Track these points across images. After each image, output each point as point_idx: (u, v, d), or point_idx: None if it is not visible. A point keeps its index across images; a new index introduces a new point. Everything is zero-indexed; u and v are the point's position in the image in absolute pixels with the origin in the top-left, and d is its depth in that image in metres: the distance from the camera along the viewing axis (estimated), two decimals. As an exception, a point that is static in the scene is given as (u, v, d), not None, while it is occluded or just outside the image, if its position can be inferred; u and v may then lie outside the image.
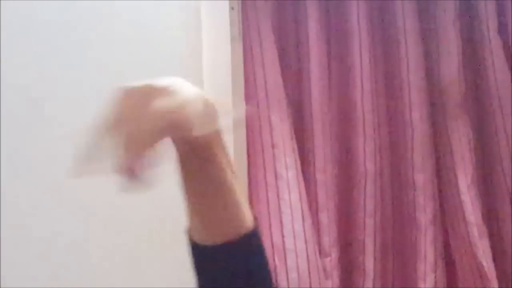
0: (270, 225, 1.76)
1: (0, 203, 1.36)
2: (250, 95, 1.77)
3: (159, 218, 1.54)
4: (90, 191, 1.41)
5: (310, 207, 1.82)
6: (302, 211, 1.78)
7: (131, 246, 1.52)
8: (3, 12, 1.43)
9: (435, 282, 1.93)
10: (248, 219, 0.80)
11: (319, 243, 1.84)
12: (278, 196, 1.77)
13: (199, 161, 0.75)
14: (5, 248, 1.35)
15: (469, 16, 2.04)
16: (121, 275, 1.48)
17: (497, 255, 1.97)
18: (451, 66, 1.99)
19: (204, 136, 0.72)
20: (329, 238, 1.86)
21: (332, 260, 1.86)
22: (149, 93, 0.68)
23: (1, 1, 1.42)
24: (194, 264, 0.82)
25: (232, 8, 1.73)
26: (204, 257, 0.80)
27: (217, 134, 0.76)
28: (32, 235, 1.39)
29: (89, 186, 1.41)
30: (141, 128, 0.66)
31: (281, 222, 1.76)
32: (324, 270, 1.84)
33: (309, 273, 1.77)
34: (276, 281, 1.74)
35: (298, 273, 1.76)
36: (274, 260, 1.75)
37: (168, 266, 1.52)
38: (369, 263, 1.90)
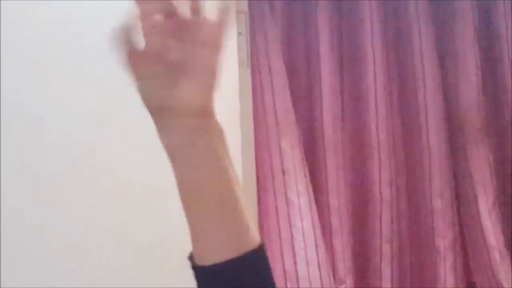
0: (281, 252, 1.74)
1: (0, 203, 1.37)
2: (259, 121, 1.77)
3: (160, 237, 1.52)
4: (90, 191, 1.43)
5: (323, 233, 1.80)
6: (315, 237, 1.76)
7: (132, 249, 1.51)
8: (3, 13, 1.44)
9: (457, 309, 1.89)
10: (252, 236, 0.77)
11: (334, 270, 1.82)
12: (289, 223, 1.75)
13: (196, 154, 0.73)
14: (5, 248, 1.36)
15: (489, 35, 2.01)
16: (121, 276, 1.47)
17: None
18: (470, 89, 1.96)
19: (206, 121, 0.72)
20: (344, 264, 1.84)
21: (347, 287, 1.83)
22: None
23: (1, 1, 1.43)
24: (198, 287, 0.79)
25: (239, 33, 1.72)
26: (207, 278, 0.77)
27: (219, 135, 0.74)
28: (32, 235, 1.40)
29: (90, 186, 1.44)
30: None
31: (293, 249, 1.75)
32: None
33: None
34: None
35: None
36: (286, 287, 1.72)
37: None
38: None
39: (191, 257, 0.79)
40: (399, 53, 1.97)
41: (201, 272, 0.78)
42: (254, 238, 0.78)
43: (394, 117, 1.95)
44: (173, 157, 0.73)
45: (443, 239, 1.90)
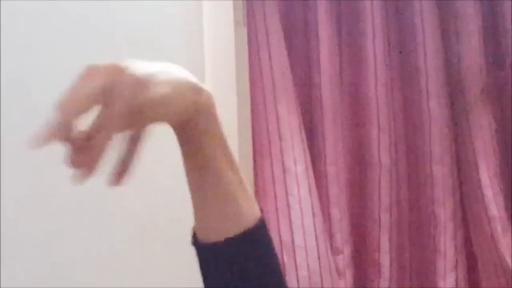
0: (278, 221, 1.69)
1: (0, 203, 1.34)
2: (255, 84, 1.71)
3: (157, 216, 1.48)
4: (89, 191, 1.34)
5: (320, 202, 1.75)
6: (312, 206, 1.71)
7: (131, 245, 1.47)
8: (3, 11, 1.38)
9: (456, 281, 1.86)
10: (252, 212, 0.78)
11: (331, 240, 1.77)
12: (286, 191, 1.70)
13: (188, 147, 0.75)
14: (5, 248, 1.34)
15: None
16: (120, 274, 1.44)
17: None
18: (471, 50, 1.89)
19: (188, 122, 0.72)
20: (342, 234, 1.79)
21: (344, 258, 1.79)
22: (115, 72, 0.66)
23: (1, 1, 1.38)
24: (200, 266, 0.80)
25: (235, -8, 1.65)
26: (210, 256, 0.78)
27: (207, 121, 0.74)
28: (32, 235, 1.37)
29: (89, 186, 1.36)
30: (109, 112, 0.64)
31: (289, 218, 1.69)
32: (337, 268, 1.77)
33: (320, 271, 1.70)
34: (285, 279, 1.66)
35: (309, 271, 1.69)
36: (283, 257, 1.67)
37: (166, 265, 1.45)
38: (385, 261, 1.82)
39: (193, 235, 0.79)
40: (399, 14, 1.90)
41: (202, 250, 0.78)
42: (255, 212, 0.78)
43: (394, 80, 1.89)
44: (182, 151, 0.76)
45: (443, 208, 1.85)
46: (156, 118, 0.69)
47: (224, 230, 0.76)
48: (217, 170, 0.75)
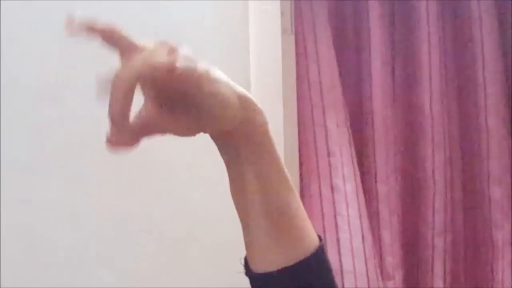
0: (325, 243, 1.60)
1: (0, 202, 1.33)
2: (303, 96, 1.66)
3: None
4: (114, 177, 1.38)
5: (370, 223, 1.70)
6: (362, 227, 1.65)
7: (157, 238, 1.44)
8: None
9: (513, 309, 1.79)
10: (310, 238, 0.72)
11: (381, 264, 1.72)
12: (334, 210, 1.64)
13: (236, 165, 0.69)
14: (5, 248, 1.33)
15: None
16: (122, 277, 1.40)
17: None
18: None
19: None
20: (393, 258, 1.73)
21: (396, 284, 1.74)
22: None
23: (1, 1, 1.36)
24: None
25: (282, -3, 1.61)
26: (263, 286, 0.72)
27: (260, 137, 0.68)
28: (33, 235, 1.35)
29: (114, 171, 1.38)
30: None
31: (337, 240, 1.64)
32: None
33: None
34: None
35: None
36: (329, 282, 1.58)
37: None
38: (439, 287, 1.76)
39: (245, 262, 0.74)
40: (456, 25, 1.84)
41: (256, 279, 0.73)
42: (312, 240, 0.72)
43: (450, 95, 1.82)
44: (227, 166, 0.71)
45: (501, 231, 1.79)
46: (210, 117, 0.63)
47: (282, 259, 0.70)
48: (275, 193, 0.69)
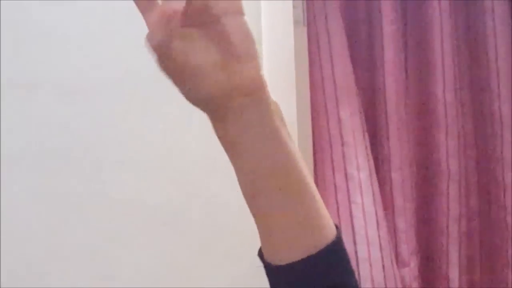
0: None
1: (0, 202, 1.32)
2: (316, 86, 1.66)
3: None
4: (138, 166, 1.38)
5: (385, 211, 1.70)
6: (377, 215, 1.65)
7: (181, 229, 1.43)
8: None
9: (530, 296, 1.79)
10: (329, 226, 0.68)
11: (396, 252, 1.72)
12: (349, 199, 1.64)
13: (261, 136, 0.64)
14: (5, 248, 1.32)
15: None
16: (128, 274, 1.40)
17: None
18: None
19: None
20: (408, 246, 1.74)
21: (411, 271, 1.74)
22: None
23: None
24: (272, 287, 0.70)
25: (294, -11, 1.61)
26: (281, 278, 0.68)
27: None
28: (33, 235, 1.35)
29: (138, 160, 1.37)
30: None
31: (352, 228, 1.63)
32: (402, 281, 1.71)
33: (385, 285, 1.64)
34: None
35: (373, 285, 1.63)
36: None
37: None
38: (454, 274, 1.77)
39: (260, 254, 0.70)
40: (468, 13, 1.83)
41: (273, 272, 0.69)
42: (331, 228, 0.68)
43: (463, 82, 1.82)
44: (233, 147, 0.65)
45: None
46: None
47: (299, 249, 0.66)
48: (296, 176, 0.66)
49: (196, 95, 0.63)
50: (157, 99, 1.37)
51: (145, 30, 0.61)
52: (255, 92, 0.63)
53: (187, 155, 1.42)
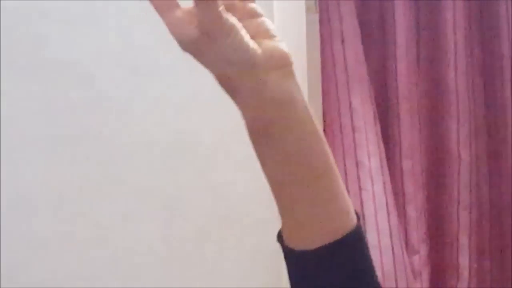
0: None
1: (0, 201, 1.31)
2: (327, 73, 1.66)
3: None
4: (143, 154, 1.34)
5: (395, 198, 1.70)
6: (387, 203, 1.66)
7: (184, 220, 1.40)
8: None
9: (540, 284, 1.78)
10: (351, 213, 0.67)
11: (406, 239, 1.72)
12: (359, 186, 1.65)
13: (295, 116, 0.64)
14: (5, 248, 1.31)
15: None
16: (122, 276, 1.38)
17: None
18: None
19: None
20: (418, 233, 1.74)
21: (421, 258, 1.75)
22: None
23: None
24: (290, 274, 0.69)
25: (306, -25, 1.60)
26: (302, 265, 0.68)
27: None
28: (33, 235, 1.33)
29: (143, 147, 1.34)
30: None
31: (363, 215, 1.64)
32: (412, 269, 1.72)
33: (395, 272, 1.65)
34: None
35: (383, 272, 1.64)
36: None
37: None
38: (464, 262, 1.77)
39: (280, 237, 0.69)
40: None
41: (296, 257, 0.67)
42: (352, 215, 0.67)
43: (475, 69, 1.80)
44: (267, 130, 0.63)
45: None
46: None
47: (322, 235, 0.65)
48: (324, 160, 0.66)
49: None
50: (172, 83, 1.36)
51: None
52: (290, 65, 0.63)
53: (197, 142, 1.38)
